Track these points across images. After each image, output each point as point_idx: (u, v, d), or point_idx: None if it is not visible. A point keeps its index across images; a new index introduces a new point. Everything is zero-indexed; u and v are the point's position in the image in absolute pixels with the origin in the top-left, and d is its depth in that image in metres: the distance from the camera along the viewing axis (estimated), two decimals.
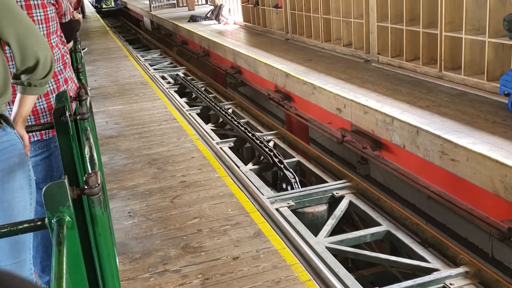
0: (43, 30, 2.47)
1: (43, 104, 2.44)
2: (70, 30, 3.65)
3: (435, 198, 4.29)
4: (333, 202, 4.64)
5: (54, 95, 2.47)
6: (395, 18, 6.13)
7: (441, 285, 3.28)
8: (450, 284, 3.26)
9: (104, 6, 26.49)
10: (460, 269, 3.38)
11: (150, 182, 4.18)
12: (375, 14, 6.49)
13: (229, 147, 6.05)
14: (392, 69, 6.17)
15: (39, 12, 2.45)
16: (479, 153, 3.55)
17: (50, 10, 2.50)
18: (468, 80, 5.05)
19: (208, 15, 13.68)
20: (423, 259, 3.61)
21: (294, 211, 4.46)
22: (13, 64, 2.25)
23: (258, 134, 6.31)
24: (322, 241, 3.92)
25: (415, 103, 4.76)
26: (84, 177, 1.34)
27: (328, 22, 7.84)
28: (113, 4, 26.55)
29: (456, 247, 3.66)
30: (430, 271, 3.44)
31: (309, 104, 6.22)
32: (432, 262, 3.54)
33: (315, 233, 4.04)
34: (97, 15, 23.51)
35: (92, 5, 28.48)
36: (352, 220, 4.66)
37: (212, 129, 6.81)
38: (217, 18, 13.07)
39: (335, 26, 7.69)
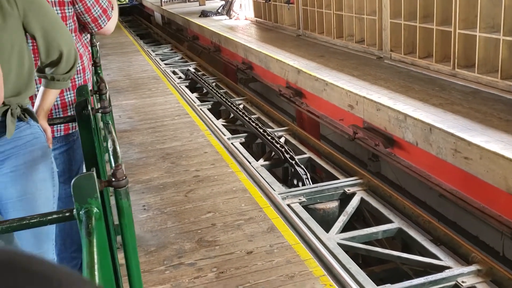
0: None
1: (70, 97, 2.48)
2: None
3: (447, 196, 4.29)
4: (345, 198, 4.65)
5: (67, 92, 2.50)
6: (409, 15, 6.11)
7: (453, 283, 3.29)
8: (462, 282, 3.27)
9: (118, 2, 26.19)
10: (472, 267, 3.39)
11: (164, 176, 4.22)
12: (388, 11, 6.47)
13: (240, 143, 6.07)
14: (405, 66, 6.16)
15: (56, 10, 2.47)
16: (492, 151, 3.55)
17: (68, 9, 2.52)
18: (482, 78, 5.04)
19: (219, 10, 13.69)
20: (435, 256, 3.62)
21: (305, 207, 4.48)
22: (35, 57, 2.29)
23: (269, 130, 6.33)
24: (333, 237, 3.94)
25: (428, 100, 4.76)
26: (112, 170, 1.37)
27: (341, 18, 7.83)
28: (127, 0, 25.52)
29: (468, 245, 3.67)
30: (442, 268, 3.45)
31: (321, 101, 6.23)
32: (444, 259, 3.55)
33: (327, 230, 4.05)
34: None
35: None
36: (363, 217, 4.67)
37: (223, 125, 6.83)
38: (228, 13, 13.07)
39: (347, 22, 7.68)
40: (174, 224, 3.41)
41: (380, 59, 6.71)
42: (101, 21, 2.70)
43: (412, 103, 4.71)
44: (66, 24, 2.53)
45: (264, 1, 10.97)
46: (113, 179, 1.35)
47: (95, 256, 1.11)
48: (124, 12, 23.90)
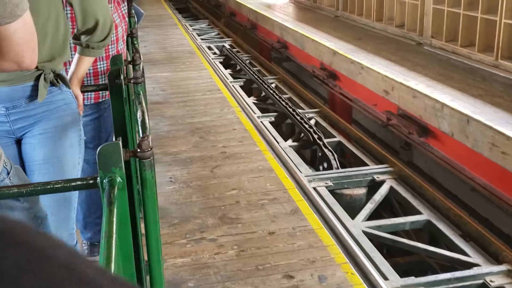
0: None
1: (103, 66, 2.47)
2: None
3: (480, 191, 4.17)
4: (373, 186, 4.56)
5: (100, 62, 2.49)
6: (453, 1, 5.91)
7: (481, 281, 3.18)
8: (491, 281, 3.16)
9: None
10: (503, 267, 3.28)
11: (192, 150, 4.20)
12: None
13: (270, 122, 6.01)
14: (445, 54, 5.98)
15: None
16: None
17: None
18: None
19: None
20: (463, 252, 3.51)
21: (332, 192, 4.41)
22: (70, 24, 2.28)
23: (299, 110, 6.25)
24: (359, 224, 3.87)
25: (467, 91, 4.60)
26: (138, 140, 1.34)
27: (381, 1, 7.63)
28: None
29: (499, 244, 3.55)
30: (470, 265, 3.35)
31: (355, 84, 6.10)
32: (473, 256, 3.45)
33: (352, 216, 3.99)
34: None
35: None
36: (391, 206, 4.58)
37: (254, 103, 6.78)
38: None
39: (388, 5, 7.48)
40: (198, 199, 3.39)
41: (420, 45, 6.52)
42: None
43: (451, 93, 4.57)
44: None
45: None
46: (138, 150, 1.32)
47: (114, 226, 1.08)
48: None
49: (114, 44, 2.56)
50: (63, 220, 2.03)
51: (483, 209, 4.63)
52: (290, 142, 5.50)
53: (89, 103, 2.45)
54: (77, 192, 2.01)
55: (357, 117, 7.16)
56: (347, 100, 6.58)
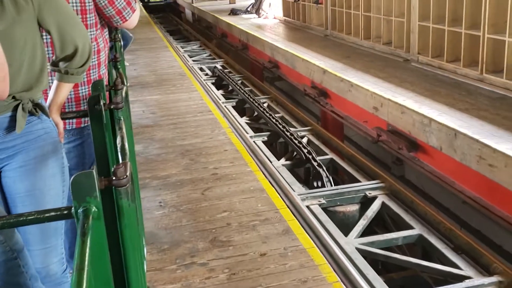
0: None
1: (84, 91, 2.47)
2: None
3: (470, 203, 4.18)
4: (365, 202, 4.57)
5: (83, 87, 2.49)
6: (437, 18, 5.99)
7: None
8: None
9: (151, 0, 23.64)
10: (494, 278, 3.29)
11: (182, 173, 4.21)
12: (416, 13, 6.35)
13: (263, 141, 6.03)
14: (432, 70, 6.04)
15: (76, 3, 2.46)
16: None
17: (88, 3, 2.51)
18: (510, 84, 4.90)
19: (249, 9, 13.66)
20: (455, 265, 3.52)
21: (325, 210, 4.42)
22: (48, 50, 2.29)
23: (292, 129, 6.28)
24: (352, 241, 3.88)
25: (454, 105, 4.64)
26: (113, 168, 1.35)
27: (369, 19, 7.72)
28: None
29: (490, 255, 3.56)
30: (462, 278, 3.36)
31: (345, 102, 6.15)
32: (465, 269, 3.45)
33: (346, 233, 3.99)
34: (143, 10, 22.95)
35: None
36: (384, 221, 4.58)
37: (246, 122, 6.81)
38: (257, 12, 13.04)
39: (375, 23, 7.57)
40: (188, 222, 3.39)
41: (407, 62, 6.59)
42: (126, 13, 2.67)
43: (438, 107, 4.61)
44: (86, 18, 2.52)
45: (293, 1, 10.91)
46: (114, 178, 1.33)
47: (86, 258, 1.08)
48: (158, 9, 22.73)
49: (96, 68, 2.56)
50: (50, 249, 2.03)
51: (475, 221, 4.64)
52: (283, 161, 5.52)
53: (71, 128, 2.45)
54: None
55: (349, 134, 7.19)
56: (339, 118, 6.61)
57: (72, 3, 2.44)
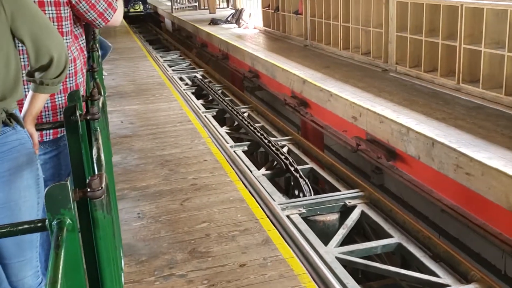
0: None
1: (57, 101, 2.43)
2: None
3: (448, 212, 4.22)
4: (345, 211, 4.59)
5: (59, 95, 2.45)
6: (415, 28, 6.08)
7: None
8: None
9: (131, 10, 22.33)
10: (471, 286, 3.32)
11: (161, 183, 4.18)
12: (394, 24, 6.44)
13: (243, 151, 6.03)
14: (410, 80, 6.11)
15: (51, 10, 2.42)
16: (494, 168, 3.48)
17: (64, 10, 2.47)
18: (486, 93, 4.98)
19: (229, 19, 13.71)
20: (434, 273, 3.55)
21: (305, 219, 4.43)
22: (23, 58, 2.25)
23: (272, 139, 6.29)
24: (332, 250, 3.88)
25: (431, 114, 4.70)
26: (88, 180, 1.33)
27: (348, 30, 7.80)
28: (141, 8, 22.71)
29: (468, 263, 3.59)
30: (440, 286, 3.39)
31: (325, 111, 6.18)
32: (443, 277, 3.48)
33: (325, 242, 4.00)
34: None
35: None
36: (363, 230, 4.60)
37: (227, 132, 6.81)
38: (237, 22, 13.09)
39: (354, 34, 7.65)
40: (167, 234, 3.36)
41: (385, 72, 6.66)
42: (107, 14, 2.66)
43: (415, 117, 4.66)
44: (62, 26, 2.48)
45: (273, 11, 10.97)
46: (88, 190, 1.31)
47: (60, 271, 1.06)
48: (138, 20, 22.09)
49: (72, 77, 2.52)
50: (25, 262, 1.99)
51: (454, 229, 4.69)
52: (263, 170, 5.53)
53: (48, 139, 2.41)
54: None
55: (329, 143, 7.23)
56: (319, 127, 6.65)
57: (48, 10, 2.40)
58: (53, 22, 2.43)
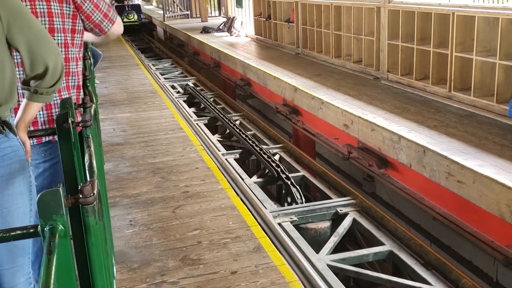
0: (44, 24, 2.39)
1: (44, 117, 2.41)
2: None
3: (440, 220, 4.24)
4: (337, 219, 4.60)
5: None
6: (406, 36, 6.12)
7: None
8: None
9: (125, 20, 20.59)
10: None
11: (153, 191, 4.17)
12: (386, 32, 6.48)
13: (235, 159, 6.04)
14: (401, 87, 6.15)
15: (42, 5, 2.40)
16: (486, 175, 3.50)
17: (66, 7, 2.46)
18: (478, 101, 5.02)
19: (221, 27, 13.75)
20: (425, 281, 3.56)
21: (297, 227, 4.43)
22: (19, 70, 2.24)
23: (264, 147, 6.30)
24: (323, 258, 3.88)
25: (423, 122, 4.73)
26: (79, 186, 1.33)
27: (339, 38, 7.84)
28: (135, 18, 21.16)
29: (459, 271, 3.61)
30: None
31: (317, 119, 6.20)
32: (435, 285, 3.49)
33: (317, 250, 4.00)
34: None
35: None
36: (355, 238, 4.61)
37: (218, 140, 6.81)
38: (229, 30, 13.13)
39: (345, 42, 7.69)
40: (159, 241, 3.35)
41: (377, 80, 6.70)
42: (104, 25, 2.64)
43: (407, 125, 4.68)
44: (64, 22, 2.47)
45: (264, 20, 11.01)
46: (80, 196, 1.31)
47: (52, 277, 1.06)
48: (133, 30, 20.63)
49: (75, 76, 2.51)
50: (17, 268, 1.97)
51: (445, 237, 4.70)
52: (255, 178, 5.53)
53: (45, 140, 2.37)
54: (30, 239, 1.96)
55: (321, 151, 7.24)
56: (310, 135, 6.66)
57: (39, 5, 2.37)
58: (44, 16, 2.39)
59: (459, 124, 4.62)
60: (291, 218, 4.49)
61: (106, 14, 2.64)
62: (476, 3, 5.58)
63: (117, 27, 2.74)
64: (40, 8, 2.38)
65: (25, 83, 1.99)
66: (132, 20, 21.14)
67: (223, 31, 13.46)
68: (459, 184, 3.74)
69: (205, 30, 13.77)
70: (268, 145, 6.69)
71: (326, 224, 4.56)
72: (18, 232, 1.30)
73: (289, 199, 5.01)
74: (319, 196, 5.33)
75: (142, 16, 21.87)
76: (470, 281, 3.44)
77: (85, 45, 4.14)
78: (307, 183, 5.61)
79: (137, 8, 22.00)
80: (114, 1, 22.29)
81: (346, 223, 4.46)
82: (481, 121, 4.70)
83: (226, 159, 5.79)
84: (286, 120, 7.34)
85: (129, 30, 20.02)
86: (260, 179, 5.51)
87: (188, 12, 18.57)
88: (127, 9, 21.20)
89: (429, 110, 5.12)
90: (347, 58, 7.70)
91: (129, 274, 2.96)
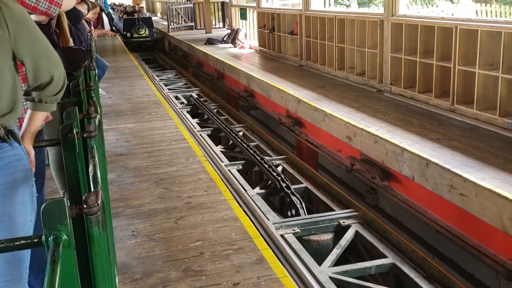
0: None
1: None
2: (75, 61, 3.19)
3: (443, 233, 4.23)
4: (339, 231, 4.59)
5: None
6: (409, 49, 6.15)
7: None
8: None
9: (135, 35, 18.38)
10: None
11: (156, 201, 4.17)
12: (389, 45, 6.51)
13: (238, 170, 6.04)
14: (404, 100, 6.16)
15: None
16: (488, 189, 3.50)
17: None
18: (480, 114, 5.03)
19: (225, 39, 13.81)
20: None
21: (299, 238, 4.42)
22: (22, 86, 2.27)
23: (267, 158, 6.30)
24: (326, 270, 3.88)
25: (426, 135, 4.73)
26: (84, 196, 1.34)
27: (343, 50, 7.88)
28: (147, 33, 18.63)
29: (462, 284, 3.59)
30: None
31: (320, 131, 6.21)
32: None
33: (319, 262, 3.99)
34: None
35: (119, 33, 19.48)
36: (357, 250, 4.60)
37: (221, 151, 6.82)
38: (233, 42, 13.19)
39: (349, 55, 7.72)
40: (161, 252, 3.35)
41: (380, 92, 6.72)
42: (52, 11, 2.69)
43: (410, 137, 4.69)
44: None
45: (268, 32, 11.07)
46: (84, 206, 1.32)
47: (56, 286, 1.07)
48: (145, 48, 18.38)
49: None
50: (15, 280, 1.96)
51: (448, 250, 4.68)
52: (258, 189, 5.53)
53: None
54: (29, 251, 1.96)
55: (324, 162, 7.25)
56: (313, 147, 6.67)
57: None
58: None
59: (462, 137, 4.63)
60: (293, 230, 4.49)
61: (51, 1, 2.68)
62: (479, 17, 5.60)
63: (66, 4, 2.78)
64: None
65: (27, 93, 2.02)
66: (143, 35, 18.53)
67: (227, 43, 13.52)
68: (462, 197, 3.74)
69: (209, 42, 13.83)
70: (271, 156, 6.70)
71: (328, 236, 4.55)
72: (22, 242, 1.31)
73: (291, 211, 5.00)
74: (322, 208, 5.33)
75: (153, 31, 19.14)
76: None
77: (90, 56, 4.17)
78: (310, 195, 5.61)
79: (148, 22, 19.28)
80: (123, 14, 21.49)
81: (348, 235, 4.45)
82: (484, 134, 4.70)
83: (229, 170, 5.80)
84: (289, 132, 7.35)
85: (140, 47, 18.12)
86: (262, 191, 5.51)
87: (193, 24, 18.64)
88: (137, 23, 18.67)
89: (432, 123, 5.13)
90: (350, 70, 7.72)
91: (131, 284, 2.96)
